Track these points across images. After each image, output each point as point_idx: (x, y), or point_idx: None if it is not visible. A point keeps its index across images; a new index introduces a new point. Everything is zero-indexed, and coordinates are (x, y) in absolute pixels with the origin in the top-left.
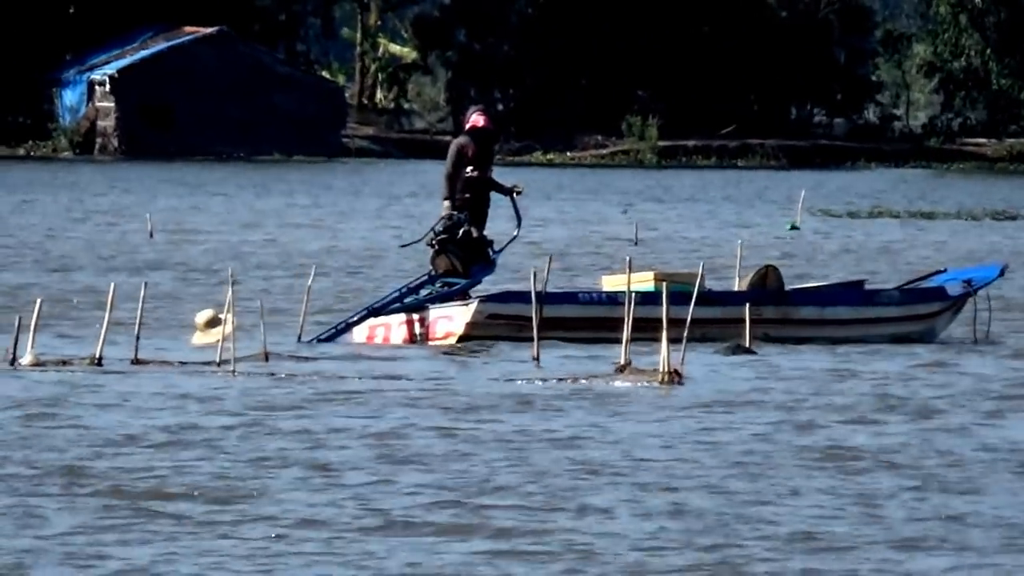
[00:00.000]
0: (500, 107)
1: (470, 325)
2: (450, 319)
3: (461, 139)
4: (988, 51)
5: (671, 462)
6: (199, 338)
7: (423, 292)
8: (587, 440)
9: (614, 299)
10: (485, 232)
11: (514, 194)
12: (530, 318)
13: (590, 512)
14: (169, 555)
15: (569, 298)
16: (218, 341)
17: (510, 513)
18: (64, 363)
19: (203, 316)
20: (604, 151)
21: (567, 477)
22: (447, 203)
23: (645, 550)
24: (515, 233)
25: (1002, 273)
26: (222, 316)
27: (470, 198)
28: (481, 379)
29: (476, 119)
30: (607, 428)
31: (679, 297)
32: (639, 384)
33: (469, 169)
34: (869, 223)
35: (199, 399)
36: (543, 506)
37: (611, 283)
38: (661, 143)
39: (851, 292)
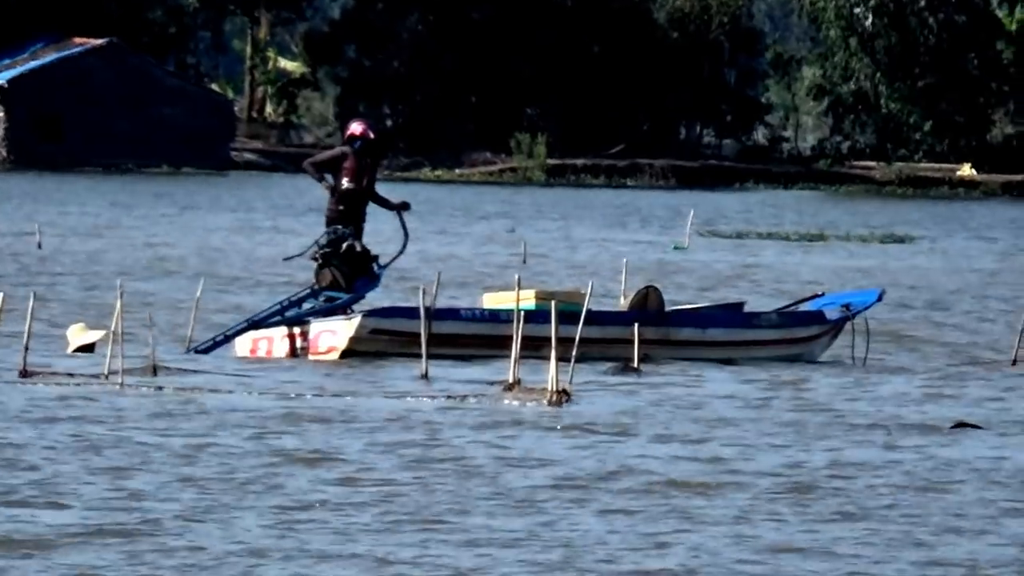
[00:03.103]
0: (389, 123)
1: (353, 340)
2: (333, 333)
3: (345, 148)
4: (878, 75)
5: (557, 483)
6: (74, 343)
7: (305, 306)
8: (471, 459)
9: (496, 316)
10: (369, 247)
11: (401, 210)
12: (412, 333)
13: (462, 529)
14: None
15: (451, 314)
16: (94, 343)
17: (380, 536)
18: None
19: (74, 329)
20: (493, 168)
21: (448, 495)
22: (315, 174)
23: (523, 567)
24: (401, 249)
25: (880, 298)
26: (93, 331)
27: (344, 211)
28: (370, 396)
29: (354, 127)
30: (495, 446)
31: (561, 316)
32: (527, 403)
33: (345, 182)
34: (757, 244)
35: (81, 411)
36: (411, 526)
37: (492, 300)
38: (550, 161)
39: (730, 314)
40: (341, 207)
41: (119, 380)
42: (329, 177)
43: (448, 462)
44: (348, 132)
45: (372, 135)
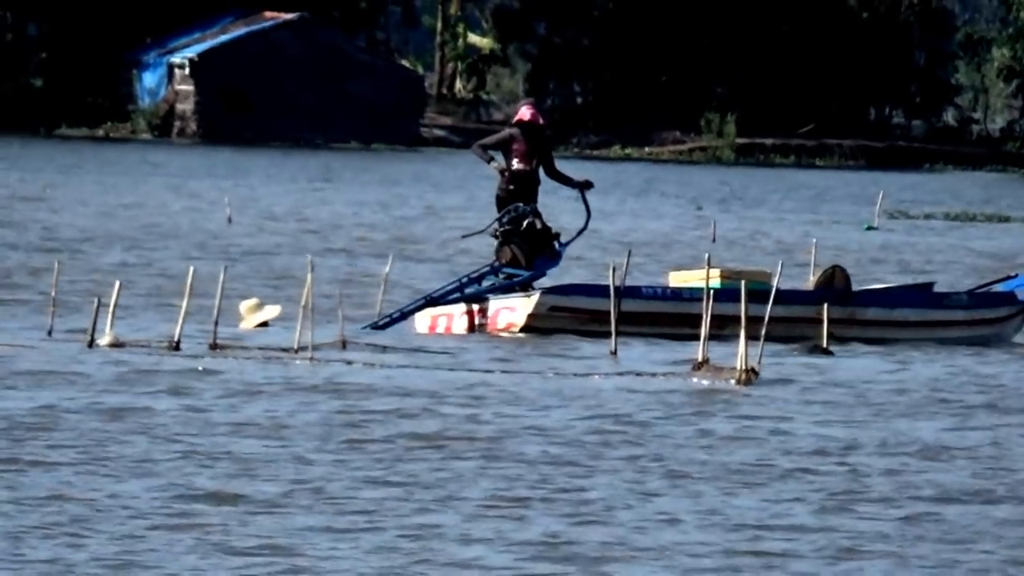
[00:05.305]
0: (579, 100)
1: (532, 316)
2: (512, 310)
3: (513, 131)
4: None
5: (744, 462)
6: (248, 322)
7: (485, 283)
8: (661, 437)
9: (678, 294)
10: (550, 224)
11: (584, 188)
12: (592, 311)
13: (649, 513)
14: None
15: (633, 292)
16: (268, 321)
17: (557, 507)
18: (142, 345)
19: (247, 305)
20: (682, 147)
21: (631, 472)
22: (487, 156)
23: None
24: (583, 226)
25: None
26: (267, 305)
27: (515, 191)
28: (558, 372)
29: (523, 112)
30: (685, 424)
31: (748, 295)
32: (716, 382)
33: (516, 162)
34: (946, 225)
35: (274, 384)
36: (592, 506)
37: (677, 279)
38: (739, 140)
39: (919, 294)
40: (512, 187)
41: (309, 354)
42: (500, 158)
43: (647, 439)
44: (517, 116)
45: (541, 121)
